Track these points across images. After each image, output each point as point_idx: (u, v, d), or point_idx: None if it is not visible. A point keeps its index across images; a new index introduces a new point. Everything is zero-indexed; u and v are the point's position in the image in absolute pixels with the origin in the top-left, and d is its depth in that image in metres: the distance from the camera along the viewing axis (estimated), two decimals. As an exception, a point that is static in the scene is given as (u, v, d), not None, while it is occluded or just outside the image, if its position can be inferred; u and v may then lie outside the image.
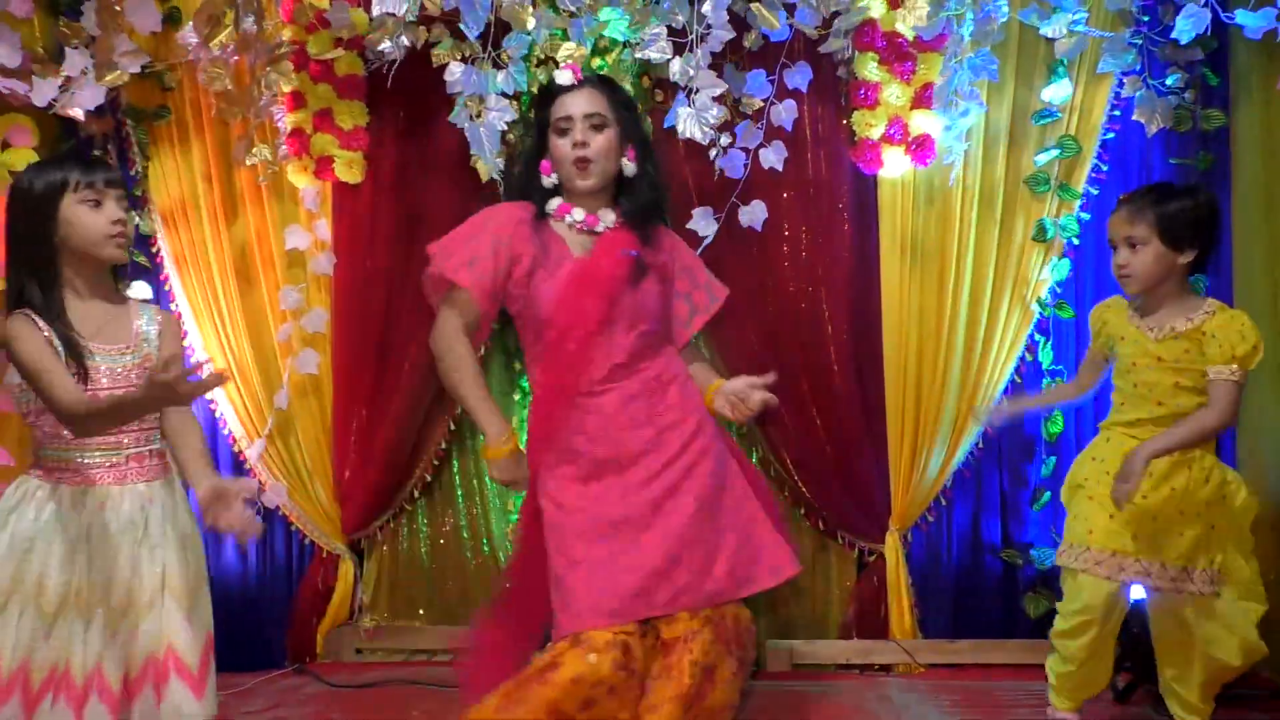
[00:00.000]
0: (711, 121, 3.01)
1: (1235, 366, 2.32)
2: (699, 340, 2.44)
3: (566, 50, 3.07)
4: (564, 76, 2.19)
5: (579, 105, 2.15)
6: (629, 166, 2.20)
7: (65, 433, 1.88)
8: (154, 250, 3.47)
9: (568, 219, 2.19)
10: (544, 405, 2.13)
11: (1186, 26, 2.75)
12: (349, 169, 3.34)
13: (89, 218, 1.90)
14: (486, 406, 2.14)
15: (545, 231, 2.17)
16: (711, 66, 3.01)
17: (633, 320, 2.14)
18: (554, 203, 2.20)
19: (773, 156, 3.16)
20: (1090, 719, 2.74)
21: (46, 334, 1.86)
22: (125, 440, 1.92)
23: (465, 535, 3.52)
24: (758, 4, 2.98)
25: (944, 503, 3.32)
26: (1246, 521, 2.44)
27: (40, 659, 1.83)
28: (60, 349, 1.86)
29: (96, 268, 1.95)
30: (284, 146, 3.31)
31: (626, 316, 2.12)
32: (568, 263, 2.15)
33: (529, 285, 2.13)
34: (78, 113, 3.10)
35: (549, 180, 2.21)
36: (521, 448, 2.16)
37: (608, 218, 2.20)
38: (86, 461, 1.90)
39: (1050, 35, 3.02)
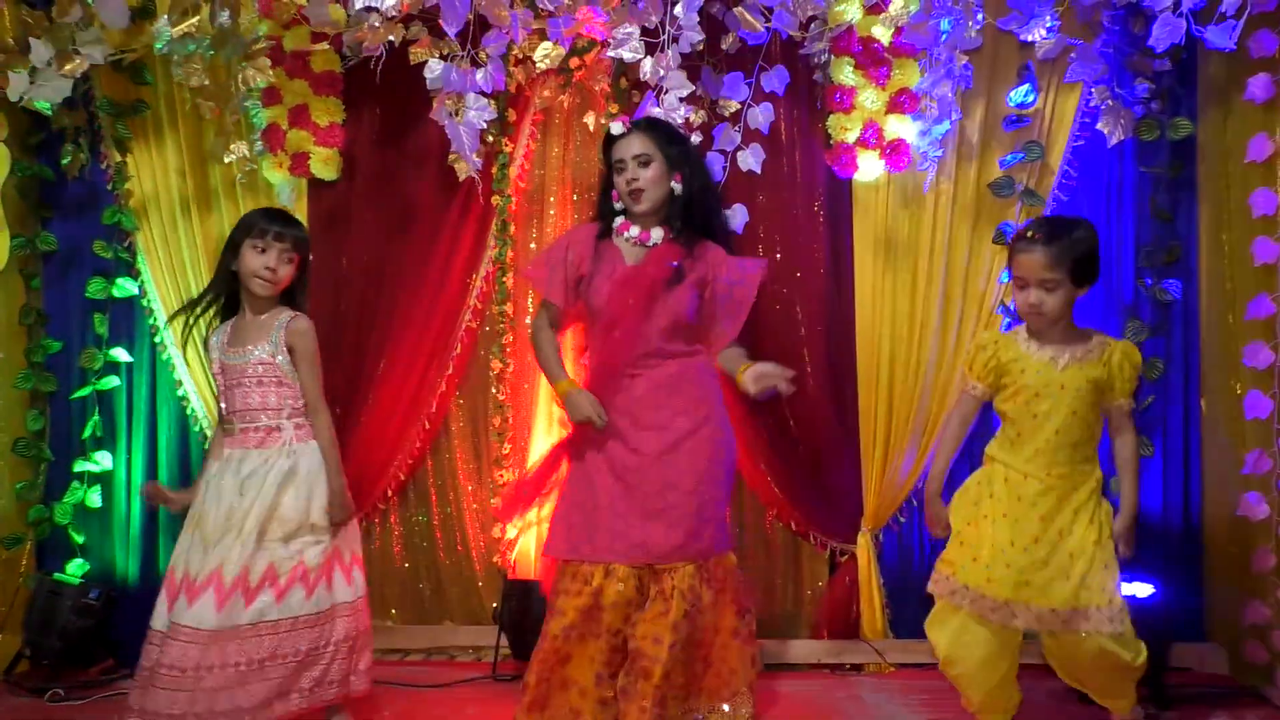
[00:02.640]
0: (679, 121, 3.02)
1: (1131, 397, 2.48)
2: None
3: (544, 50, 3.08)
4: (616, 128, 2.76)
5: (629, 149, 2.72)
6: (678, 188, 2.74)
7: (223, 410, 2.63)
8: (125, 244, 3.43)
9: (625, 235, 2.76)
10: (593, 378, 2.73)
11: (1162, 35, 2.80)
12: (325, 165, 3.32)
13: (252, 259, 2.57)
14: (558, 375, 2.80)
15: (606, 245, 2.77)
16: (688, 69, 3.03)
17: (666, 317, 2.66)
18: (618, 221, 2.79)
19: (751, 159, 3.19)
20: (1050, 717, 2.79)
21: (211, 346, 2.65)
22: (250, 418, 2.58)
23: (439, 535, 3.51)
24: (740, 8, 3.00)
25: (915, 504, 3.36)
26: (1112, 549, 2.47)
27: (196, 566, 2.48)
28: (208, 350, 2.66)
29: (252, 292, 2.61)
30: (259, 142, 3.28)
31: (661, 313, 2.66)
32: (620, 268, 2.71)
33: (589, 288, 2.73)
34: (43, 105, 3.06)
35: (617, 205, 2.79)
36: (579, 387, 2.76)
37: (657, 234, 2.74)
38: (228, 430, 2.61)
39: (1029, 39, 3.05)
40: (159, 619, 2.50)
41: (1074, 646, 2.41)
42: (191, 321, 2.65)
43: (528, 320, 3.32)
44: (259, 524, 2.48)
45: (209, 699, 2.39)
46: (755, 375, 2.62)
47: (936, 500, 2.60)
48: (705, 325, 2.77)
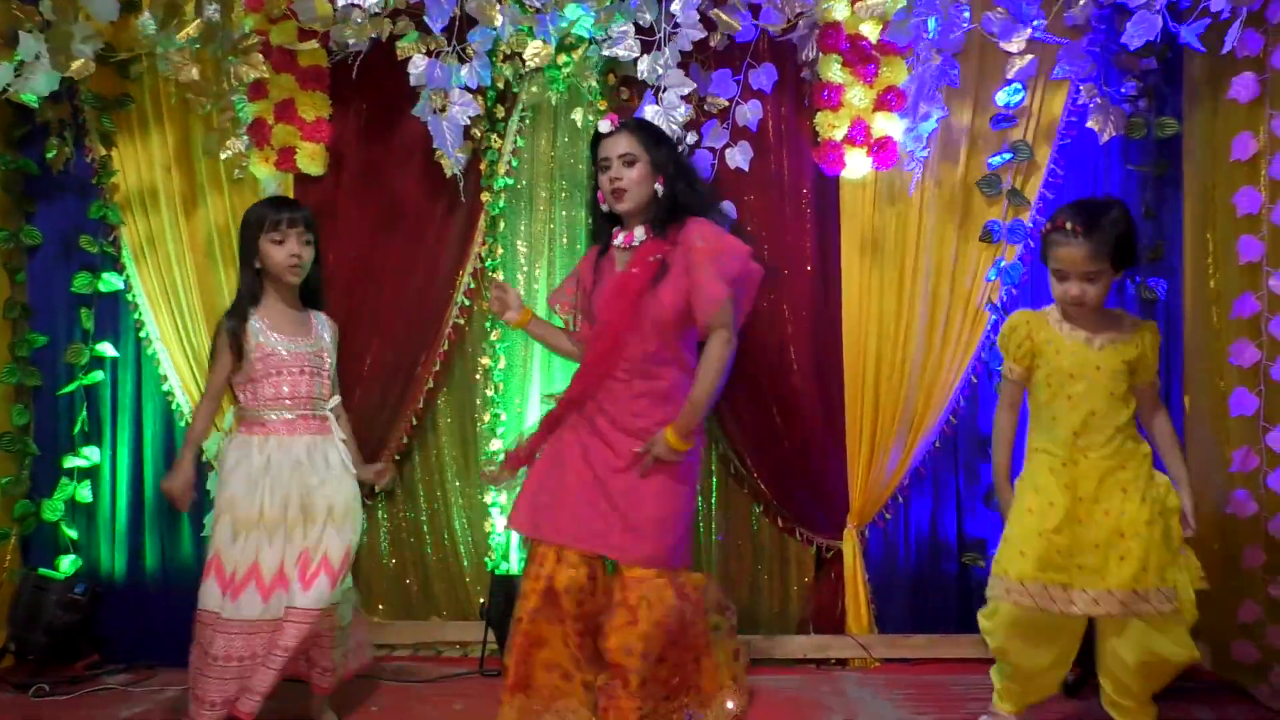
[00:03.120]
0: (679, 120, 3.03)
1: (1157, 376, 2.50)
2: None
3: (533, 49, 3.07)
4: (604, 126, 2.73)
5: (615, 148, 2.69)
6: (660, 191, 2.69)
7: (254, 397, 2.65)
8: (111, 239, 3.42)
9: (616, 242, 2.77)
10: (581, 378, 2.72)
11: (1136, 33, 2.81)
12: (311, 160, 3.31)
13: (274, 252, 2.65)
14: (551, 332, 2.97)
15: (604, 259, 2.79)
16: (678, 66, 3.03)
17: (645, 323, 2.63)
18: (615, 232, 2.78)
19: (739, 157, 3.19)
20: (1039, 714, 2.81)
21: (243, 335, 2.65)
22: (303, 405, 2.68)
23: (426, 530, 3.52)
24: (718, 10, 3.01)
25: (901, 500, 3.38)
26: (1175, 523, 2.45)
27: (231, 556, 2.56)
28: (241, 342, 2.65)
29: (282, 284, 2.70)
30: (245, 137, 3.27)
31: (648, 314, 2.63)
32: (610, 278, 2.73)
33: (589, 303, 2.79)
34: (29, 98, 3.04)
35: (604, 207, 2.76)
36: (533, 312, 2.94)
37: (640, 234, 2.71)
38: (268, 418, 2.65)
39: (1010, 50, 3.07)
40: (248, 609, 2.54)
41: (1131, 634, 2.39)
42: (233, 330, 2.67)
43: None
44: (328, 508, 2.62)
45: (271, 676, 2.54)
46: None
47: (1005, 489, 2.58)
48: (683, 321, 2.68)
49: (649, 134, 2.74)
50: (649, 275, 2.62)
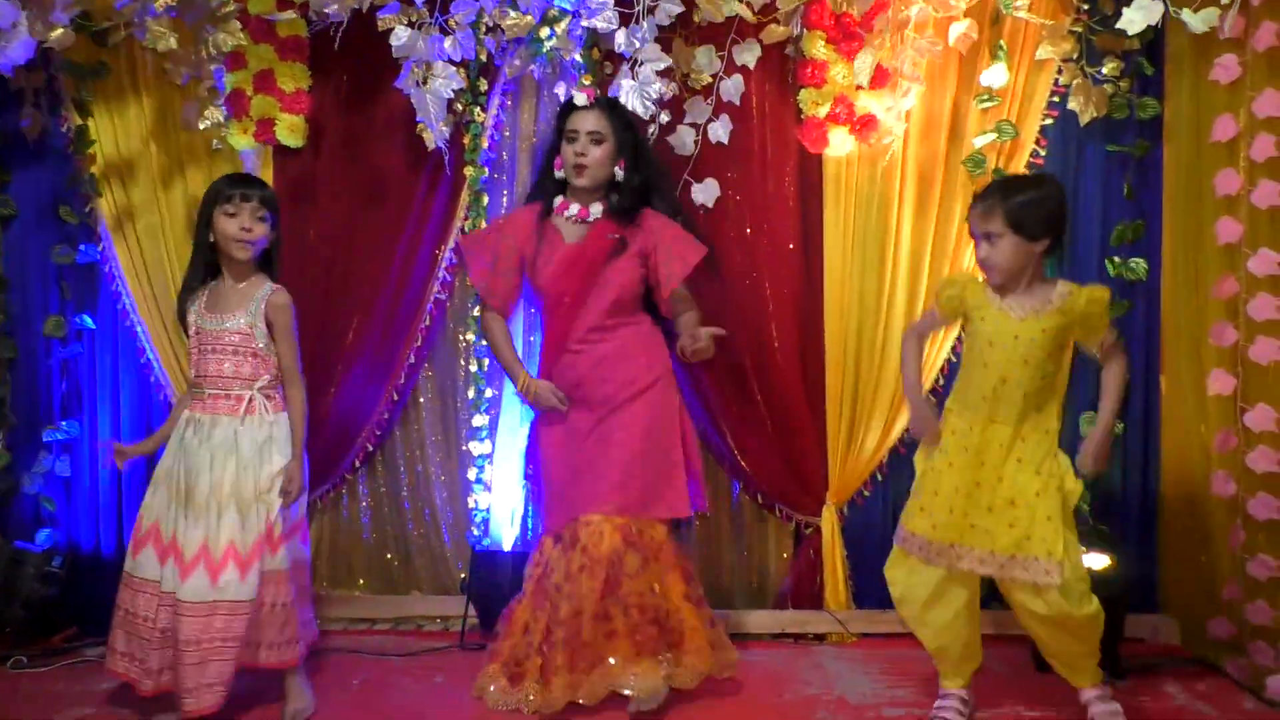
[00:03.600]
0: (654, 95, 3.01)
1: (1111, 329, 2.52)
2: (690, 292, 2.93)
3: (512, 19, 3.05)
4: (580, 99, 2.77)
5: (585, 123, 2.74)
6: (619, 174, 2.78)
7: (194, 374, 2.67)
8: (88, 209, 3.38)
9: (565, 213, 2.79)
10: (543, 354, 2.82)
11: (1136, 17, 2.80)
12: (290, 132, 3.28)
13: (226, 224, 2.62)
14: (514, 364, 2.88)
15: (546, 226, 2.80)
16: (660, 42, 3.02)
17: (610, 292, 2.72)
18: (558, 200, 2.81)
19: (720, 130, 3.18)
20: (1011, 687, 2.86)
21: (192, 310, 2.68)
22: (222, 385, 2.62)
23: (407, 505, 3.52)
24: None
25: (880, 478, 3.40)
26: (1071, 504, 2.50)
27: (142, 514, 2.62)
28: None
29: (231, 258, 2.65)
30: (223, 108, 3.24)
31: (603, 287, 2.72)
32: (558, 246, 2.75)
33: (533, 270, 2.78)
34: (6, 67, 3.00)
35: (559, 174, 2.80)
36: (533, 378, 2.85)
37: (596, 210, 2.76)
38: (197, 394, 2.65)
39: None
40: (148, 569, 2.56)
41: (1014, 596, 2.47)
42: (188, 299, 2.68)
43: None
44: (235, 494, 2.54)
45: (193, 673, 2.47)
46: (684, 345, 2.77)
47: (923, 404, 2.65)
48: (652, 287, 2.83)
49: (620, 117, 2.79)
50: (607, 249, 2.71)
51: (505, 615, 2.77)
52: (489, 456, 3.34)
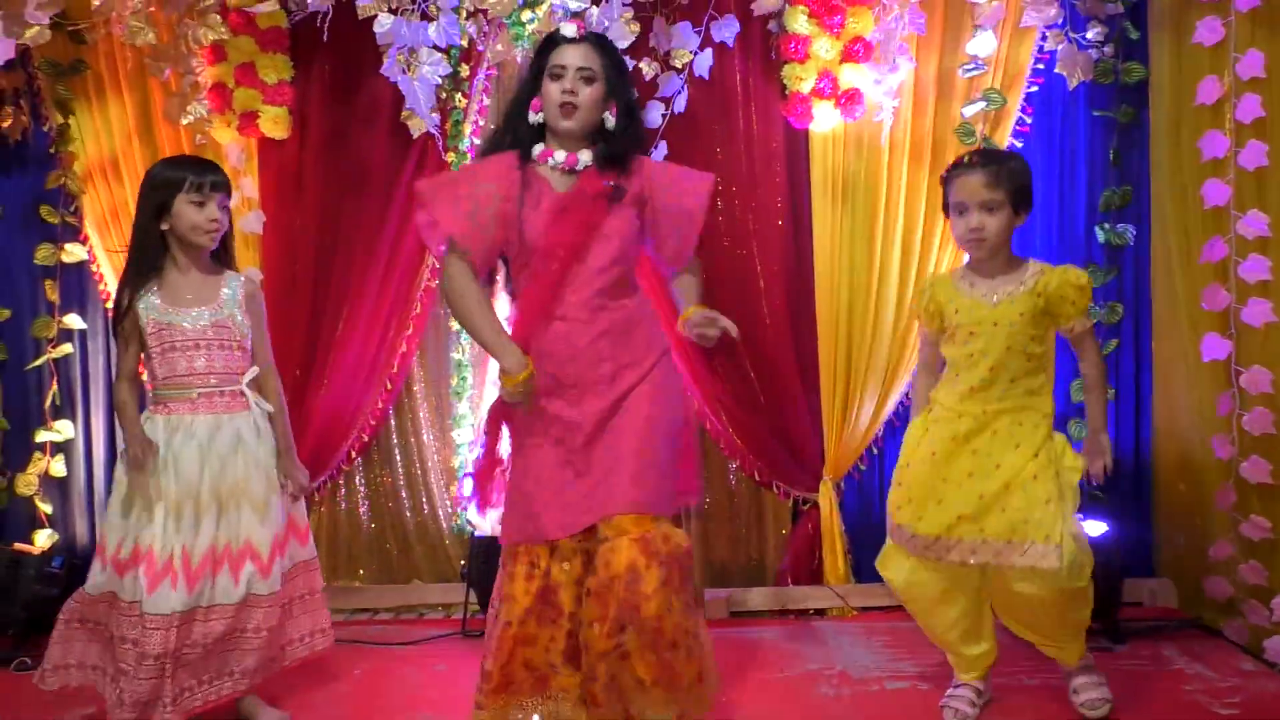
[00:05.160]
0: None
1: (1084, 317, 2.44)
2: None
3: (494, 1, 3.03)
4: (569, 30, 2.37)
5: (575, 58, 2.32)
6: (610, 120, 2.37)
7: (152, 376, 2.45)
8: (72, 208, 3.37)
9: (550, 161, 2.36)
10: (523, 323, 2.32)
11: None
12: (274, 124, 3.27)
13: (194, 214, 2.41)
14: (501, 339, 2.32)
15: (530, 174, 2.35)
16: (641, 20, 3.00)
17: (609, 244, 2.31)
18: (538, 148, 2.37)
19: (702, 66, 3.13)
20: (1013, 653, 2.86)
21: (135, 310, 2.43)
22: (198, 381, 2.44)
23: (405, 494, 3.52)
24: None
25: (875, 451, 3.41)
26: (1073, 482, 2.43)
27: (115, 533, 2.41)
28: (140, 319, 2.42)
29: (194, 248, 2.46)
30: (205, 101, 3.22)
31: (604, 241, 2.30)
32: (547, 195, 2.33)
33: (518, 221, 2.32)
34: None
35: (535, 118, 2.37)
36: (533, 375, 2.31)
37: (585, 157, 2.35)
38: (169, 397, 2.44)
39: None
40: (163, 602, 2.32)
41: (1008, 582, 2.38)
42: (134, 295, 2.44)
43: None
44: (247, 493, 2.43)
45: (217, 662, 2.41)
46: (697, 322, 2.33)
47: None
48: (655, 248, 2.43)
49: (612, 56, 2.40)
50: (604, 197, 2.32)
51: (486, 671, 2.32)
52: (470, 444, 3.34)
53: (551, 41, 2.38)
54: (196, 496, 2.38)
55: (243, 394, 2.48)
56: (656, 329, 2.44)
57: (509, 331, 2.33)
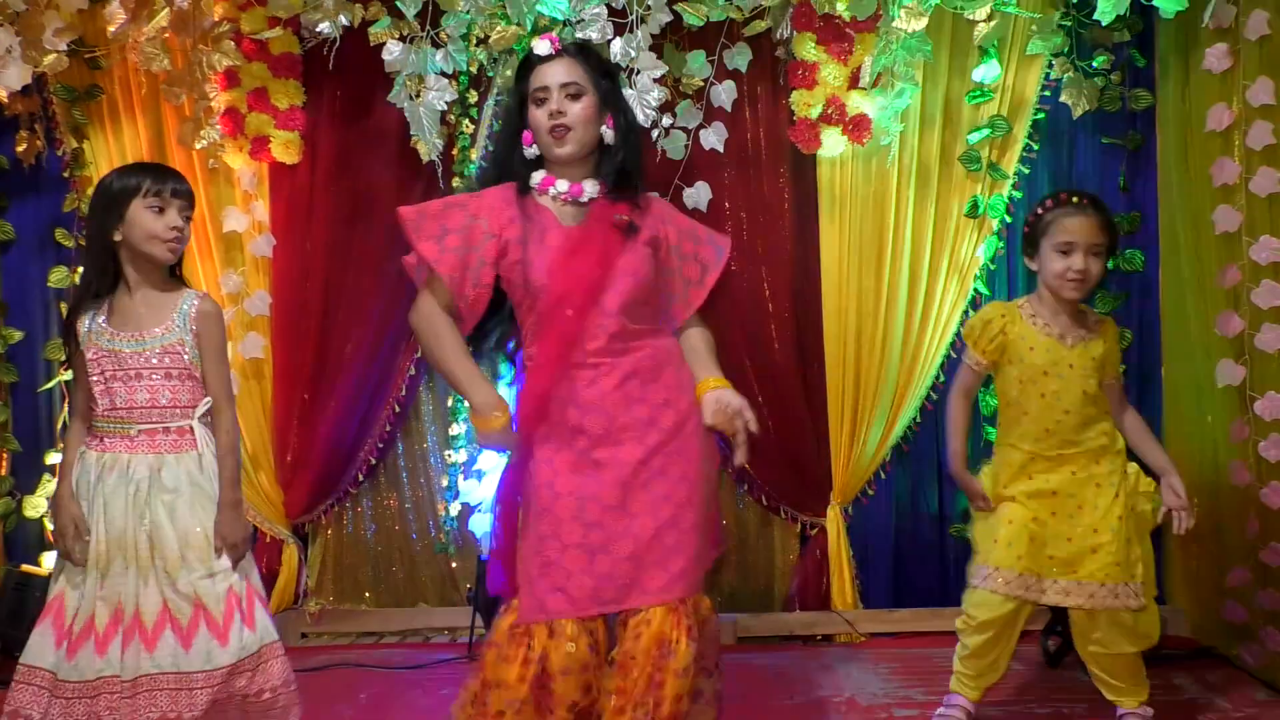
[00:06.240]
0: (653, 103, 3.02)
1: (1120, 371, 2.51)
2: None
3: (499, 31, 3.06)
4: (542, 47, 2.13)
5: (555, 75, 2.09)
6: (609, 134, 2.12)
7: (94, 407, 2.17)
8: (85, 233, 3.39)
9: (552, 191, 2.12)
10: (541, 377, 2.04)
11: (1107, 8, 2.80)
12: (286, 149, 3.29)
13: (151, 221, 2.14)
14: (474, 377, 2.07)
15: (530, 207, 2.12)
16: (651, 47, 3.03)
17: (626, 284, 2.06)
18: (537, 176, 2.13)
19: (713, 138, 3.18)
20: (1023, 681, 2.85)
21: (87, 329, 2.17)
22: (140, 416, 2.15)
23: (411, 518, 3.53)
24: (682, 3, 3.00)
25: (883, 476, 3.40)
26: (1149, 523, 2.46)
27: (73, 600, 2.12)
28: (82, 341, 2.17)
29: (149, 263, 2.17)
30: (218, 126, 3.25)
31: (620, 281, 2.05)
32: (553, 231, 2.09)
33: (521, 261, 2.06)
34: (1, 92, 3.02)
35: (530, 151, 2.14)
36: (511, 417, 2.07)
37: (592, 188, 2.12)
38: (107, 430, 2.16)
39: (974, 18, 3.06)
40: (106, 664, 2.06)
41: (1098, 625, 2.40)
42: (81, 314, 2.18)
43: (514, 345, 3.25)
44: (181, 548, 2.11)
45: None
46: (715, 411, 2.07)
47: (965, 475, 2.55)
48: (663, 295, 2.17)
49: (595, 62, 2.14)
50: (618, 232, 2.07)
51: None
52: (461, 466, 3.35)
53: (528, 64, 2.14)
54: (126, 549, 2.09)
55: (191, 431, 2.17)
56: (685, 370, 2.15)
57: (521, 382, 2.09)
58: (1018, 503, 2.44)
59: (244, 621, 2.13)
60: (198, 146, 3.22)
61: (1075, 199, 2.40)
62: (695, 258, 2.19)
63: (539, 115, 2.10)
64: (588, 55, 2.14)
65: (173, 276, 2.23)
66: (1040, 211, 2.45)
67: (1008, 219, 3.28)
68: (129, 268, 2.18)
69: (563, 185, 2.12)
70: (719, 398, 2.08)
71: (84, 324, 2.17)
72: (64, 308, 3.41)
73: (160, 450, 2.14)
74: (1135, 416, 2.54)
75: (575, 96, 2.08)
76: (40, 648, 2.10)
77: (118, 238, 2.15)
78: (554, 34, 2.19)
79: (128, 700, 2.05)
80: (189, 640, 2.08)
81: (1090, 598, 2.37)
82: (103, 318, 2.17)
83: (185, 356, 2.17)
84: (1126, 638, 2.40)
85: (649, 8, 2.95)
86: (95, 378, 2.15)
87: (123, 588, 2.09)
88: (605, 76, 2.14)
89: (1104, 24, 2.89)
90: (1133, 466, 2.46)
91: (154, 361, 2.15)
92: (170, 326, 2.17)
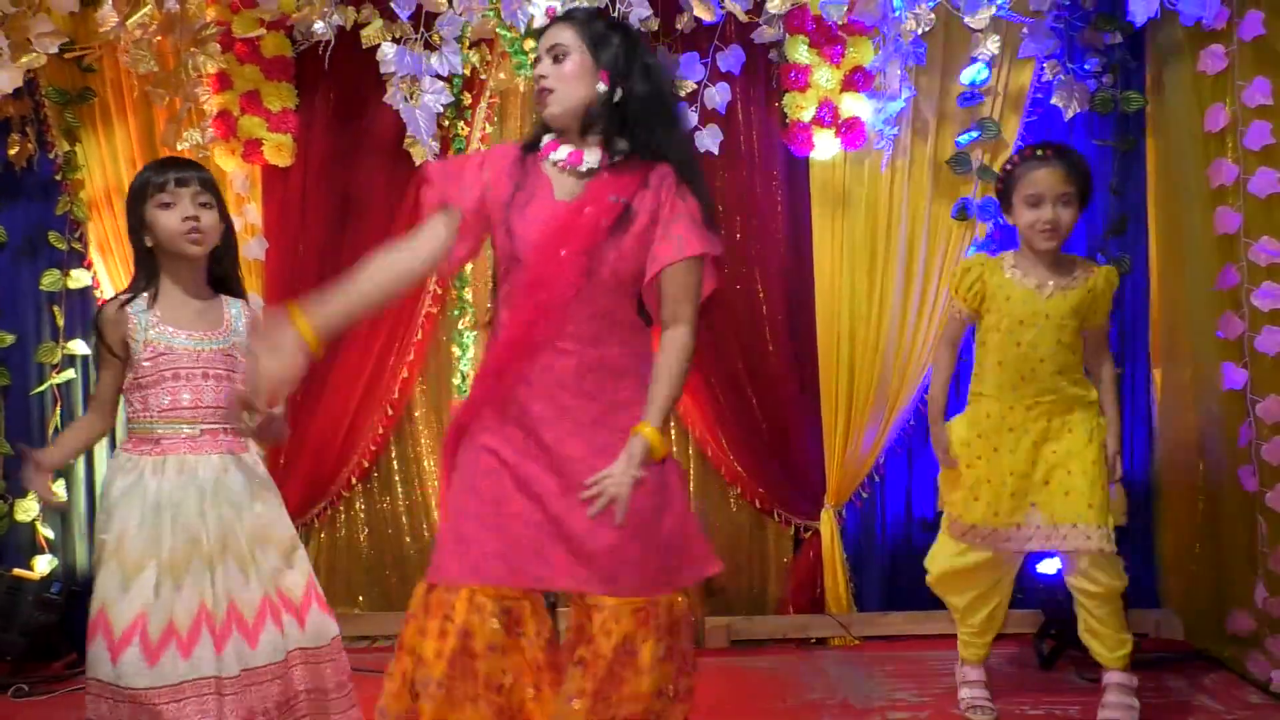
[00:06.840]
0: None
1: (1108, 317, 2.56)
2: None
3: (490, 30, 3.05)
4: (541, 21, 2.20)
5: (545, 40, 2.03)
6: (603, 90, 1.97)
7: (145, 407, 2.13)
8: (77, 235, 3.39)
9: (552, 156, 2.01)
10: (506, 350, 1.96)
11: (1139, 9, 2.78)
12: (278, 152, 3.29)
13: (165, 219, 2.11)
14: (335, 294, 2.09)
15: (532, 167, 2.03)
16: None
17: (610, 274, 1.93)
18: (545, 139, 2.04)
19: (708, 140, 3.17)
20: (1016, 684, 2.84)
21: (126, 329, 2.13)
22: (204, 416, 2.15)
23: (405, 521, 3.52)
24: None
25: (877, 479, 3.40)
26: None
27: (121, 611, 2.05)
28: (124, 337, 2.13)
29: (183, 260, 2.15)
30: (209, 129, 3.24)
31: (600, 270, 1.93)
32: (544, 200, 1.98)
33: (515, 220, 1.98)
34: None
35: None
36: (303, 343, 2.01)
37: (593, 157, 1.98)
38: (163, 433, 2.13)
39: (974, 27, 3.06)
40: (138, 675, 2.01)
41: (1083, 570, 2.45)
42: (123, 314, 2.15)
43: (489, 306, 3.29)
44: (263, 540, 2.17)
45: None
46: (609, 470, 1.87)
47: (939, 425, 2.63)
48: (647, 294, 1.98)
49: (594, 27, 2.02)
50: (610, 219, 1.93)
51: None
52: None
53: (537, 36, 2.14)
54: (204, 550, 2.09)
55: (243, 431, 2.20)
56: (647, 382, 1.96)
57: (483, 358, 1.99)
58: (992, 456, 2.49)
59: (320, 607, 2.23)
60: (180, 148, 3.20)
61: (1040, 151, 2.47)
62: (670, 237, 1.96)
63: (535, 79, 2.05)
64: (586, 20, 2.04)
65: (214, 281, 2.22)
66: (1009, 167, 2.52)
67: (999, 220, 3.27)
68: (169, 270, 2.17)
69: (562, 152, 2.00)
70: (612, 469, 1.87)
71: (135, 324, 2.12)
72: (56, 311, 3.40)
73: (224, 450, 2.16)
74: (1109, 369, 2.58)
75: (559, 58, 1.99)
76: (96, 661, 2.06)
77: (149, 243, 2.15)
78: (553, 6, 2.20)
79: (233, 697, 2.06)
80: (303, 618, 2.18)
81: (1064, 540, 2.43)
82: (154, 316, 2.14)
83: (238, 361, 2.18)
84: (1102, 575, 2.44)
85: (630, 4, 2.93)
86: (151, 377, 2.11)
87: (204, 587, 2.08)
88: (605, 39, 2.01)
89: (1137, 26, 2.86)
90: (1104, 422, 2.51)
91: (217, 362, 2.17)
92: (228, 329, 2.20)
